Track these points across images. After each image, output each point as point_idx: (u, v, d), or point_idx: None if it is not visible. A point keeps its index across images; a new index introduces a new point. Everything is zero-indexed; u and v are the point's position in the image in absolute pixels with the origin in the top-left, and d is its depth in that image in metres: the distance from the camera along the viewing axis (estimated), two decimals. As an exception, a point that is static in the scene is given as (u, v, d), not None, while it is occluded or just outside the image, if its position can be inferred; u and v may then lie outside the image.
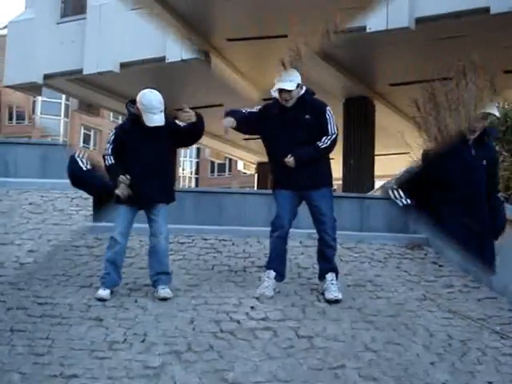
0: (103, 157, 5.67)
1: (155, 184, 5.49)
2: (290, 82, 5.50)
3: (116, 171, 5.50)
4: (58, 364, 4.24)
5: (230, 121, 5.58)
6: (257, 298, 5.41)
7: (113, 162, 5.56)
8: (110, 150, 5.58)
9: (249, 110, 5.75)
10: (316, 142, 5.49)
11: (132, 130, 5.57)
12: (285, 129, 5.53)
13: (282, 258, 5.64)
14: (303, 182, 5.51)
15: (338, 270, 5.68)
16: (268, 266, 5.62)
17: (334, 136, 5.53)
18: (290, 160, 5.43)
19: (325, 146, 5.52)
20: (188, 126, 5.62)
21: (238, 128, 5.71)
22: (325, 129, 5.54)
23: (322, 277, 5.65)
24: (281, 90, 5.52)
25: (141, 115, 5.45)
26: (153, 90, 5.55)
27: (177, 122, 5.72)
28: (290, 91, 5.49)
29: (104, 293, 5.36)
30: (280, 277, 5.61)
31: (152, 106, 5.41)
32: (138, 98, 5.49)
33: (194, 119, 5.53)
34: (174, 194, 5.78)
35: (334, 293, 5.44)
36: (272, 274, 5.53)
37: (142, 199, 5.52)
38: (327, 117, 5.58)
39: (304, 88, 5.62)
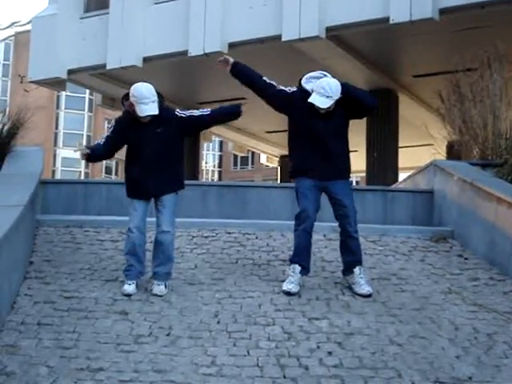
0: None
1: (159, 177, 5.49)
2: (327, 98, 5.40)
3: (96, 147, 5.68)
4: (84, 357, 4.27)
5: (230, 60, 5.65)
6: (281, 293, 5.42)
7: (101, 142, 5.66)
8: (104, 138, 5.67)
9: (281, 88, 5.69)
10: None
11: (131, 124, 5.54)
12: (319, 126, 5.51)
13: (308, 252, 5.63)
14: (330, 173, 5.53)
15: (363, 263, 5.66)
16: (293, 260, 5.59)
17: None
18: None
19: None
20: (197, 116, 5.66)
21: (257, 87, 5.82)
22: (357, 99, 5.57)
23: (347, 271, 5.62)
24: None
25: (133, 110, 5.45)
26: (144, 83, 5.52)
27: (177, 112, 5.66)
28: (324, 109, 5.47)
29: (130, 288, 5.39)
30: (305, 271, 5.60)
31: (143, 96, 5.38)
32: (130, 92, 5.48)
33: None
34: (182, 182, 5.73)
35: (365, 287, 5.43)
36: (298, 268, 5.50)
37: (148, 192, 5.56)
38: (350, 88, 5.57)
39: None
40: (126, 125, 5.58)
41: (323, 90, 5.39)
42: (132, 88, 5.48)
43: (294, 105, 5.60)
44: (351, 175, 5.81)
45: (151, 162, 5.49)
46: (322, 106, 5.42)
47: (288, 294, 5.39)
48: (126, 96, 5.55)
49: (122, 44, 14.17)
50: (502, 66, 8.62)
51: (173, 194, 5.60)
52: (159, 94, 5.56)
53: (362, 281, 5.48)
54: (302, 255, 5.58)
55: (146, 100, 5.37)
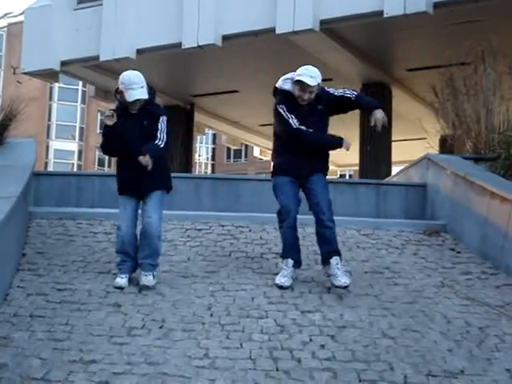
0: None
1: (144, 177, 5.38)
2: (312, 78, 5.41)
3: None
4: (77, 349, 4.27)
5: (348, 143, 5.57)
6: (274, 286, 5.43)
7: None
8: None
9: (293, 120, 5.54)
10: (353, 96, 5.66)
11: (119, 119, 5.47)
12: (305, 121, 5.50)
13: (296, 246, 5.63)
14: (306, 169, 5.54)
15: (356, 256, 5.68)
16: (284, 256, 5.59)
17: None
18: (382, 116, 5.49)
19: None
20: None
21: None
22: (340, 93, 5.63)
23: (325, 261, 5.51)
24: (302, 85, 5.42)
25: (123, 98, 5.42)
26: (133, 71, 5.51)
27: (160, 120, 5.53)
28: (311, 86, 5.42)
29: (122, 281, 5.37)
30: (298, 264, 5.60)
31: (131, 81, 5.36)
32: (119, 81, 5.46)
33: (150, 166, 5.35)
34: (169, 181, 5.66)
35: (341, 278, 5.32)
36: (290, 262, 5.51)
37: (135, 188, 5.49)
38: (332, 91, 5.65)
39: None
40: (118, 115, 5.51)
41: (306, 71, 5.45)
42: (120, 76, 5.48)
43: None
44: (343, 169, 5.85)
45: (137, 156, 5.34)
46: (310, 84, 5.40)
47: (280, 287, 5.40)
48: (117, 89, 5.51)
49: (115, 36, 14.12)
50: (496, 61, 8.63)
51: (159, 191, 5.53)
52: (151, 88, 5.55)
53: (338, 272, 5.36)
54: (291, 251, 5.59)
55: (134, 86, 5.36)
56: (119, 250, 5.54)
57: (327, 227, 5.49)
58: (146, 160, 5.27)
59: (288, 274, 5.48)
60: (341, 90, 5.68)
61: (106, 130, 5.49)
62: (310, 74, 5.42)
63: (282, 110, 5.53)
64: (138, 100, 5.41)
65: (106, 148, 5.64)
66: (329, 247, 5.51)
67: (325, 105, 5.58)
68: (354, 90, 5.72)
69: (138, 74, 5.45)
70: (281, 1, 12.39)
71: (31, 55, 15.43)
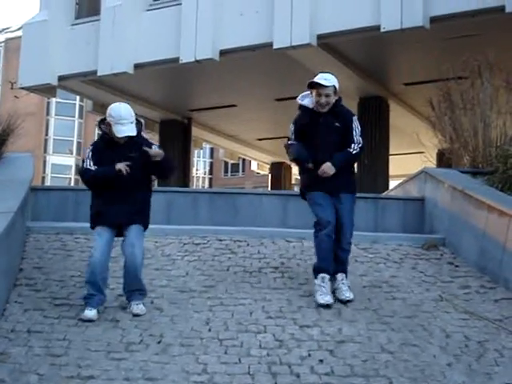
0: (83, 172, 5.37)
1: (126, 208, 5.24)
2: (326, 80, 5.53)
3: (102, 170, 5.29)
4: (74, 365, 4.25)
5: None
6: (272, 300, 5.41)
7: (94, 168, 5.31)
8: (89, 164, 5.33)
9: (292, 138, 5.72)
10: (346, 148, 5.58)
11: (105, 150, 5.35)
12: (319, 134, 5.59)
13: (331, 256, 5.56)
14: (337, 187, 5.57)
15: (354, 270, 5.67)
16: (320, 268, 5.50)
17: (361, 144, 5.61)
18: (326, 169, 5.49)
19: (355, 152, 5.60)
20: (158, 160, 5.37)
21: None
22: (351, 137, 5.61)
23: (331, 276, 5.57)
24: (317, 88, 5.51)
25: (110, 131, 5.27)
26: (123, 103, 5.39)
27: (155, 145, 5.48)
28: (326, 87, 5.50)
29: (91, 313, 5.02)
30: (332, 277, 5.57)
31: (120, 116, 5.22)
32: (107, 112, 5.31)
33: (159, 158, 5.31)
34: (148, 220, 5.48)
35: (345, 293, 5.44)
36: (327, 277, 5.45)
37: (116, 218, 5.27)
38: (353, 126, 5.64)
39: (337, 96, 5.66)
40: (101, 148, 5.39)
41: (321, 75, 5.59)
42: (109, 108, 5.34)
43: (301, 127, 5.66)
44: None
45: (122, 186, 5.25)
46: (324, 84, 5.51)
47: (327, 306, 5.30)
48: (103, 120, 5.39)
49: (113, 51, 14.15)
50: (493, 75, 8.66)
51: (140, 225, 5.35)
52: (138, 121, 5.45)
53: (343, 287, 5.50)
54: (327, 260, 5.52)
55: (123, 121, 5.22)
56: (88, 279, 5.19)
57: (344, 250, 5.62)
58: (157, 152, 5.28)
59: (328, 291, 5.41)
60: (358, 135, 5.66)
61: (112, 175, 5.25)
62: (323, 77, 5.55)
63: (290, 128, 5.74)
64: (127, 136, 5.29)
65: (96, 183, 5.36)
66: (339, 267, 5.62)
67: (342, 123, 5.62)
68: (360, 145, 5.64)
69: (128, 108, 5.32)
70: (278, 16, 12.43)
71: (29, 70, 15.43)
